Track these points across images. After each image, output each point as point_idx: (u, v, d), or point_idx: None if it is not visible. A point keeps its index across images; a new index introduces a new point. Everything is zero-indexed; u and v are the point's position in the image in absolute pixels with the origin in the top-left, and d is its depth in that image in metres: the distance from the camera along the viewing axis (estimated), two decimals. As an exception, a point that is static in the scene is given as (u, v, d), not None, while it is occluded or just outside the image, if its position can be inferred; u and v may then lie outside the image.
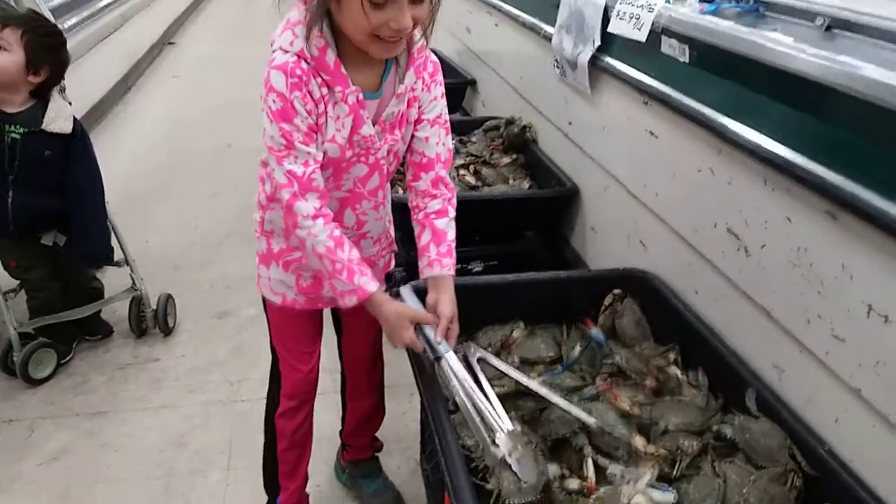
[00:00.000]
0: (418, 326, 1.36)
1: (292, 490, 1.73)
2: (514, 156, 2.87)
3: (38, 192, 2.22)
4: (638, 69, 2.00)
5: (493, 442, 1.31)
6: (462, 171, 2.75)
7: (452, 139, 2.98)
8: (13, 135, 2.12)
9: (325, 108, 1.26)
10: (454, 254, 1.43)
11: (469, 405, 1.33)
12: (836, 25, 1.61)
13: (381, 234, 1.53)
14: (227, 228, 3.40)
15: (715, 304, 1.70)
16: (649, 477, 1.33)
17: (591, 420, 1.44)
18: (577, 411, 1.47)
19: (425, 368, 1.50)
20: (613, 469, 1.39)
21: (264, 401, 1.71)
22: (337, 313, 1.73)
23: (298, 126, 1.25)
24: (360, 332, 1.71)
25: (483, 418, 1.33)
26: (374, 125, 1.32)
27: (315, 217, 1.29)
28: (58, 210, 2.28)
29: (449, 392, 1.38)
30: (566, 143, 2.58)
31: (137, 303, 2.57)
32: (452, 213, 1.46)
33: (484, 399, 1.35)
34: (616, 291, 1.86)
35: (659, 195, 1.94)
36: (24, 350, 2.29)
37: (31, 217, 2.25)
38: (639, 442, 1.41)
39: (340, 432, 1.92)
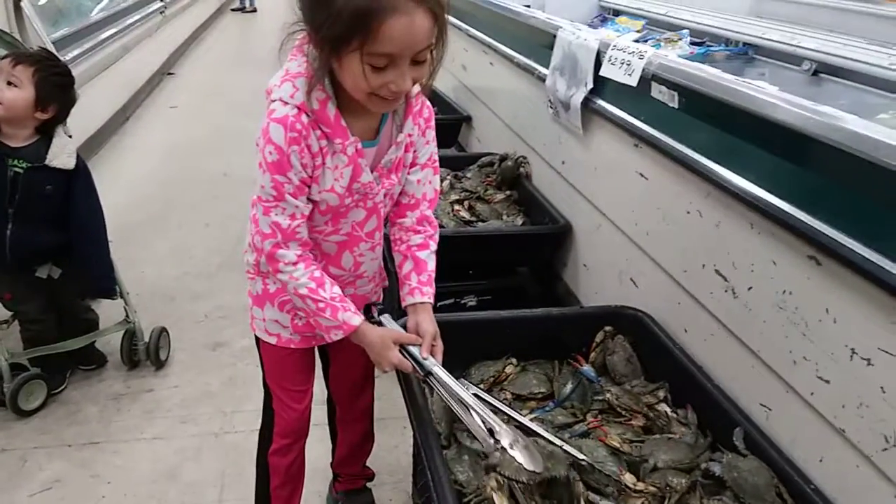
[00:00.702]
0: (404, 348, 1.39)
1: None
2: (508, 192, 2.92)
3: (36, 225, 2.24)
4: (629, 112, 2.06)
5: (495, 437, 1.33)
6: (457, 207, 2.80)
7: (447, 174, 3.05)
8: (16, 169, 2.15)
9: (324, 160, 1.29)
10: (433, 284, 1.49)
11: (465, 411, 1.35)
12: (823, 70, 1.67)
13: (376, 273, 1.56)
14: (221, 259, 3.42)
15: (704, 342, 1.74)
16: (639, 514, 1.35)
17: (581, 456, 1.46)
18: (567, 448, 1.49)
19: (417, 401, 1.52)
20: (604, 505, 1.41)
21: (257, 433, 1.72)
22: (324, 346, 1.74)
23: (291, 179, 1.28)
24: (349, 362, 1.72)
25: (482, 419, 1.35)
26: (371, 172, 1.36)
27: (296, 263, 1.34)
28: (55, 244, 2.30)
29: (443, 405, 1.41)
30: (559, 181, 2.63)
31: (130, 336, 2.58)
32: (434, 246, 1.52)
33: (479, 403, 1.37)
34: (607, 328, 1.90)
35: (650, 234, 1.99)
36: (14, 382, 2.29)
37: (29, 250, 2.27)
38: (628, 479, 1.44)
39: (331, 463, 1.93)
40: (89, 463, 2.15)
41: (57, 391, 2.43)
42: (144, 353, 2.57)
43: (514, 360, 1.86)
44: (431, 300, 1.47)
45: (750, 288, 1.56)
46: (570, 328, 1.94)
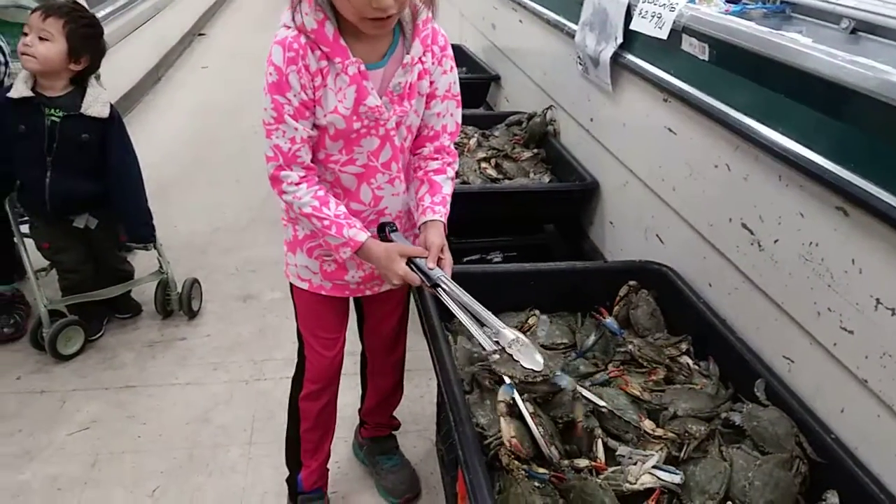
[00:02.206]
0: (412, 261, 1.39)
1: (314, 468, 1.78)
2: (536, 150, 2.91)
3: (74, 174, 2.31)
4: (658, 67, 2.03)
5: (495, 340, 1.35)
6: (483, 164, 2.80)
7: (475, 132, 3.04)
8: (53, 118, 2.22)
9: (325, 80, 1.31)
10: (447, 206, 1.49)
11: (468, 317, 1.36)
12: (862, 28, 1.64)
13: (401, 212, 1.54)
14: (251, 214, 3.48)
15: (728, 296, 1.74)
16: (657, 458, 1.37)
17: (601, 403, 1.49)
18: (588, 394, 1.51)
19: (440, 345, 1.55)
20: (622, 451, 1.43)
21: (286, 381, 1.78)
22: (359, 300, 1.77)
23: (290, 100, 1.30)
24: (383, 317, 1.77)
25: (483, 324, 1.36)
26: (381, 97, 1.36)
27: (299, 183, 1.37)
28: (92, 193, 2.37)
29: (467, 352, 1.42)
30: (587, 138, 2.62)
31: (164, 286, 2.65)
32: (451, 173, 1.52)
33: (484, 311, 1.37)
34: (631, 283, 1.90)
35: (676, 190, 1.98)
36: (52, 327, 2.38)
37: (67, 199, 2.33)
38: (647, 425, 1.46)
39: (359, 409, 1.98)
40: (125, 405, 2.23)
41: (94, 338, 2.52)
42: (177, 302, 2.64)
43: (537, 312, 1.88)
44: (443, 219, 1.46)
45: (776, 241, 1.56)
46: (595, 282, 1.95)
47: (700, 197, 1.86)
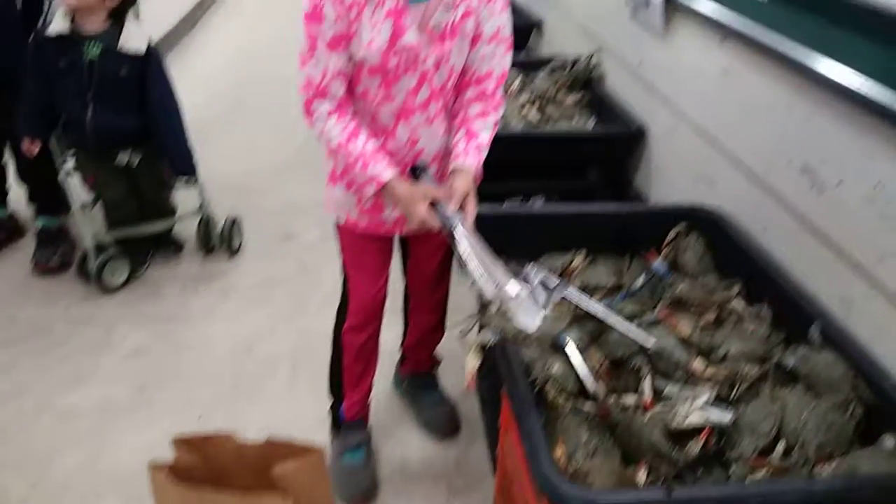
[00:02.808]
0: (435, 205, 1.37)
1: (356, 399, 1.80)
2: (580, 95, 2.85)
3: (115, 110, 2.33)
4: (715, 2, 1.96)
5: (500, 290, 1.32)
6: (526, 109, 2.74)
7: (517, 75, 2.97)
8: (91, 54, 2.24)
9: (361, 13, 1.28)
10: (482, 154, 1.46)
11: (478, 265, 1.33)
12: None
13: (439, 154, 1.52)
14: (289, 156, 3.48)
15: (783, 241, 1.70)
16: (707, 397, 1.35)
17: (650, 341, 1.47)
18: (636, 333, 1.49)
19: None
20: (670, 390, 1.42)
21: (326, 317, 1.78)
22: (404, 239, 1.77)
23: (324, 31, 1.29)
24: (426, 256, 1.76)
25: (492, 274, 1.33)
26: (421, 34, 1.33)
27: (329, 115, 1.35)
28: (133, 129, 2.39)
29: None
30: (635, 82, 2.55)
31: (205, 223, 2.68)
32: (492, 119, 1.47)
33: (495, 265, 1.34)
34: (681, 227, 1.86)
35: (730, 134, 1.92)
36: (99, 259, 2.42)
37: (108, 134, 2.36)
38: (698, 365, 1.44)
39: (401, 344, 1.99)
40: (170, 336, 2.28)
41: (138, 272, 2.56)
42: (219, 239, 2.67)
43: (583, 253, 1.85)
44: (472, 168, 1.44)
45: (839, 182, 1.50)
46: (643, 225, 1.91)
47: (756, 140, 1.81)
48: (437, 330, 1.93)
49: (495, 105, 1.48)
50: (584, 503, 1.02)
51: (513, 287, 1.32)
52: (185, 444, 1.16)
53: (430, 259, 1.76)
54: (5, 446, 1.85)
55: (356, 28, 1.30)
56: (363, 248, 1.64)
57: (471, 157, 1.44)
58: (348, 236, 1.64)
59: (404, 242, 1.79)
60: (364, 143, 1.37)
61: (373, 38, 1.30)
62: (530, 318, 1.33)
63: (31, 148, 2.37)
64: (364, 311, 1.69)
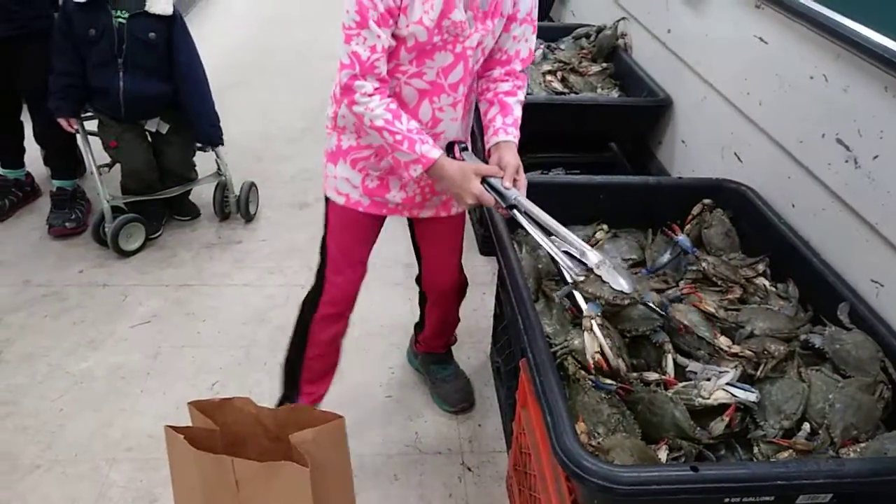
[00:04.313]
0: (486, 181, 1.34)
1: (315, 397, 1.71)
2: (604, 65, 2.78)
3: (145, 75, 2.33)
4: (754, -32, 1.88)
5: (582, 260, 1.30)
6: (549, 77, 2.68)
7: (540, 44, 2.91)
8: (120, 19, 2.24)
9: None
10: (519, 129, 1.44)
11: (547, 239, 1.32)
12: None
13: (453, 140, 1.48)
14: (305, 125, 3.44)
15: (813, 217, 1.65)
16: (732, 375, 1.32)
17: (675, 317, 1.43)
18: (658, 309, 1.45)
19: (508, 253, 1.50)
20: (694, 367, 1.38)
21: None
22: (416, 243, 1.73)
23: (376, 4, 1.23)
24: (441, 262, 1.72)
25: (569, 244, 1.31)
26: (466, 11, 1.29)
27: (372, 94, 1.30)
28: (163, 95, 2.39)
29: (532, 263, 1.37)
30: (662, 51, 2.48)
31: (222, 188, 2.65)
32: (521, 95, 1.47)
33: (566, 232, 1.33)
34: (706, 201, 1.81)
35: (763, 105, 1.86)
36: (115, 222, 2.40)
37: (140, 101, 2.36)
38: (723, 342, 1.40)
39: (416, 326, 1.97)
40: (184, 302, 2.26)
41: (154, 236, 2.55)
42: (235, 205, 2.65)
43: (605, 226, 1.81)
44: (516, 141, 1.42)
45: (876, 157, 1.45)
46: (666, 199, 1.86)
47: (790, 111, 1.74)
48: (455, 321, 1.89)
49: (522, 82, 1.48)
50: (608, 479, 0.99)
51: (593, 255, 1.30)
52: (201, 408, 1.14)
53: (447, 264, 1.74)
54: (18, 411, 1.85)
55: (407, 3, 1.26)
56: (353, 230, 1.58)
57: (511, 129, 1.43)
58: (342, 218, 1.56)
59: (417, 249, 1.76)
60: (408, 122, 1.33)
61: (423, 14, 1.27)
62: (622, 278, 1.31)
63: (70, 125, 2.38)
64: (340, 299, 1.61)
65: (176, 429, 1.11)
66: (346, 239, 1.59)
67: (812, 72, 1.65)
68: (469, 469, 1.75)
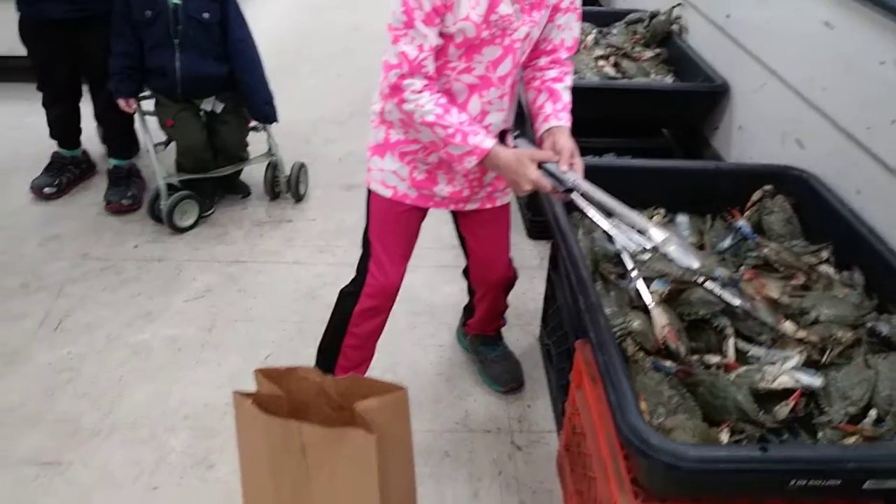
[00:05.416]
0: (542, 166, 1.34)
1: None
2: (658, 50, 2.74)
3: (200, 55, 2.38)
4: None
5: (647, 237, 1.29)
6: (601, 62, 2.65)
7: (591, 29, 2.88)
8: (175, 0, 2.28)
9: None
10: (569, 113, 1.44)
11: (608, 221, 1.31)
12: None
13: (498, 132, 1.48)
14: (353, 108, 3.46)
15: (878, 204, 1.61)
16: (797, 360, 1.30)
17: (736, 301, 1.41)
18: (721, 292, 1.43)
19: (567, 235, 1.49)
20: (756, 352, 1.36)
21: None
22: (462, 235, 1.73)
23: (422, 4, 1.23)
24: (489, 257, 1.72)
25: (632, 223, 1.31)
26: (512, 4, 1.29)
27: (421, 91, 1.30)
28: (219, 75, 2.43)
29: (589, 245, 1.36)
30: (720, 37, 2.43)
31: (273, 167, 2.69)
32: (568, 82, 1.47)
33: (628, 211, 1.32)
34: (767, 188, 1.78)
35: (827, 90, 1.82)
36: (170, 199, 2.45)
37: (196, 81, 2.40)
38: (788, 327, 1.37)
39: (465, 308, 1.97)
40: (236, 278, 2.30)
41: (206, 214, 2.59)
42: (285, 185, 2.68)
43: (661, 210, 1.79)
44: (568, 125, 1.42)
45: (951, 142, 1.41)
46: (725, 185, 1.83)
47: (857, 97, 1.70)
48: (503, 309, 1.89)
49: (568, 69, 1.49)
50: (676, 455, 0.99)
51: (657, 232, 1.29)
52: (268, 375, 1.16)
53: (496, 260, 1.73)
54: (79, 377, 1.91)
55: (453, 1, 1.26)
56: (397, 224, 1.57)
57: (563, 115, 1.43)
58: (387, 212, 1.55)
59: (462, 244, 1.76)
60: (458, 115, 1.34)
61: (470, 10, 1.27)
62: (688, 255, 1.30)
63: (128, 106, 2.44)
64: (380, 293, 1.60)
65: (243, 394, 1.13)
66: (389, 233, 1.58)
67: (882, 56, 1.61)
68: (519, 448, 1.75)
